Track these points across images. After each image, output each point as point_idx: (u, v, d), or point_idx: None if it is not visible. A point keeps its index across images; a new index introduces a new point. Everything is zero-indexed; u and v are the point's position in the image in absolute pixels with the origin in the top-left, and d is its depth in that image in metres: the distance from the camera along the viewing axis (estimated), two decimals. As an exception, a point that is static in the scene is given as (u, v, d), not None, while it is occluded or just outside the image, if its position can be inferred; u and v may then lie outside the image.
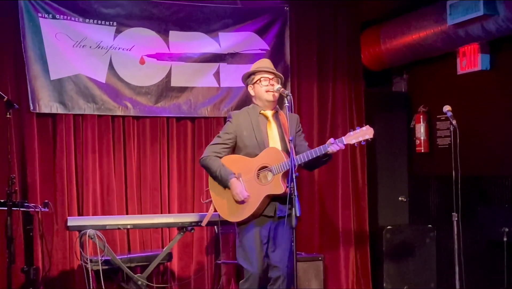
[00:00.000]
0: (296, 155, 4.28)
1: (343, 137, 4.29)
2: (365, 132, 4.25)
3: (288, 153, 4.30)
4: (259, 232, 4.39)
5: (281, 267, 4.39)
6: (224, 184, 4.42)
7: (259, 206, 4.33)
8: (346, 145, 4.29)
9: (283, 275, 4.39)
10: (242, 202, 4.37)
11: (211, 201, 4.57)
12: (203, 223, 4.79)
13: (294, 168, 4.12)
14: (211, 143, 4.60)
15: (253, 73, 4.54)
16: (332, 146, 4.26)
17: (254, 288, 4.37)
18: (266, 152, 4.38)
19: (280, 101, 4.55)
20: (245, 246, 4.41)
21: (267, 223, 4.40)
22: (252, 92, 4.58)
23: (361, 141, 4.26)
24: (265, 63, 4.62)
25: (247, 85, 4.62)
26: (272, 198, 4.37)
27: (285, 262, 4.40)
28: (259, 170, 4.36)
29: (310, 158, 4.30)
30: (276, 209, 4.38)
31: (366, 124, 4.33)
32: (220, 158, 4.48)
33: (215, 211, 4.58)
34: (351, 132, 4.28)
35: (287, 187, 4.17)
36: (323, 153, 4.29)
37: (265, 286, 4.46)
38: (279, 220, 4.38)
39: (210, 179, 4.55)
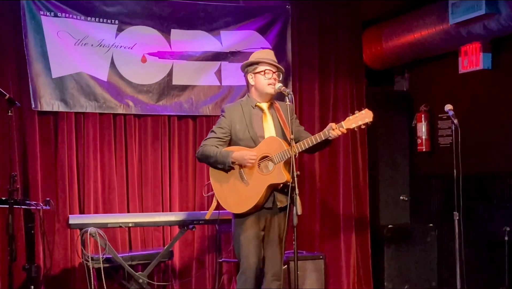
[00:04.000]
0: (295, 142, 4.25)
1: (342, 122, 4.27)
2: (364, 116, 4.24)
3: (287, 141, 4.29)
4: (257, 223, 4.37)
5: (272, 260, 4.39)
6: (226, 163, 4.33)
7: (262, 195, 4.30)
8: (347, 130, 4.27)
9: (274, 269, 4.39)
10: (245, 191, 4.31)
11: (213, 194, 4.54)
12: (207, 216, 4.75)
13: (295, 156, 4.12)
14: (205, 138, 4.55)
15: (257, 63, 4.50)
16: (333, 131, 4.24)
17: (250, 281, 4.35)
18: (265, 141, 4.36)
19: (279, 98, 4.54)
20: (242, 239, 4.38)
21: (264, 214, 4.38)
22: (252, 82, 4.51)
23: (360, 125, 4.25)
24: (269, 54, 4.57)
25: (246, 73, 4.54)
26: (273, 188, 4.35)
27: (277, 255, 4.39)
28: (260, 159, 4.34)
29: (311, 145, 4.28)
30: (276, 200, 4.37)
31: (364, 108, 4.31)
32: None
33: (218, 203, 4.53)
34: (350, 117, 4.27)
35: (290, 176, 4.15)
36: (323, 139, 4.27)
37: (261, 278, 4.47)
38: (279, 211, 4.37)
39: (210, 170, 4.50)
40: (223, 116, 4.53)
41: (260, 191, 4.31)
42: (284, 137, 4.38)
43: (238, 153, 4.34)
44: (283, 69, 4.58)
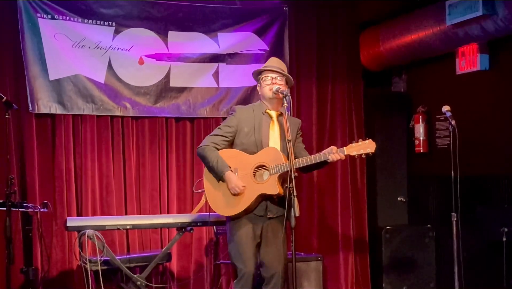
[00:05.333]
0: (293, 155, 4.28)
1: (344, 148, 4.32)
2: (367, 146, 4.29)
3: (287, 155, 4.31)
4: (252, 229, 4.38)
5: (274, 266, 4.40)
6: (219, 176, 4.39)
7: (251, 203, 4.33)
8: (347, 156, 4.32)
9: (277, 275, 4.40)
10: (236, 195, 4.35)
11: (203, 192, 4.55)
12: (194, 212, 4.80)
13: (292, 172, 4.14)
14: (210, 134, 4.58)
15: (260, 72, 4.55)
16: (333, 154, 4.29)
17: (248, 287, 4.36)
18: (265, 151, 4.38)
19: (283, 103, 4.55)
20: (238, 243, 4.40)
21: (259, 221, 4.40)
22: (259, 91, 4.58)
23: (362, 154, 4.29)
24: (273, 62, 4.60)
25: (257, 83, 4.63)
26: (264, 197, 4.37)
27: (278, 261, 4.40)
28: (256, 167, 4.35)
29: (309, 163, 4.33)
30: (267, 209, 4.39)
31: (368, 138, 4.35)
32: (218, 149, 4.45)
33: (207, 202, 4.55)
34: (353, 144, 4.31)
35: (285, 187, 4.18)
36: (323, 160, 4.31)
37: (258, 283, 4.47)
38: (269, 220, 4.39)
39: (205, 169, 4.51)
40: (233, 115, 4.54)
41: (251, 198, 4.33)
42: (285, 147, 4.38)
43: (233, 176, 4.34)
44: (289, 76, 4.56)
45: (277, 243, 4.40)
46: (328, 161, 4.32)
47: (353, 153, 4.30)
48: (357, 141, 4.32)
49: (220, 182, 4.42)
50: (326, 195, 6.57)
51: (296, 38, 6.51)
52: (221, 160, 4.39)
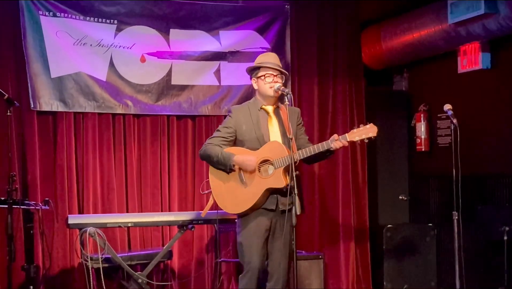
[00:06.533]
0: (297, 149, 4.28)
1: (346, 134, 4.30)
2: (368, 130, 4.25)
3: (289, 147, 4.30)
4: (261, 224, 4.37)
5: (278, 263, 4.39)
6: (227, 166, 4.36)
7: (259, 198, 4.32)
8: (349, 142, 4.29)
9: (280, 271, 4.40)
10: (243, 191, 4.34)
11: (210, 192, 4.55)
12: (203, 214, 4.79)
13: (295, 164, 4.14)
14: (210, 136, 4.58)
15: (258, 67, 4.50)
16: (336, 142, 4.27)
17: (252, 282, 4.36)
18: (268, 145, 4.37)
19: (280, 98, 4.54)
20: (246, 238, 4.39)
21: (268, 216, 4.38)
22: (255, 86, 4.54)
23: (364, 139, 4.26)
24: (271, 58, 4.55)
25: (251, 77, 4.58)
26: (272, 191, 4.36)
27: (283, 258, 4.40)
28: (261, 163, 4.35)
29: (312, 153, 4.30)
30: (278, 202, 4.37)
31: (369, 123, 4.31)
32: None
33: (215, 202, 4.55)
34: (355, 129, 4.29)
35: (289, 181, 4.17)
36: (326, 149, 4.30)
37: (264, 279, 4.47)
38: (282, 214, 4.37)
39: (210, 168, 4.51)
40: (229, 116, 4.55)
41: (258, 194, 4.32)
42: (286, 141, 4.37)
43: (240, 157, 4.35)
44: (286, 72, 4.56)
45: (283, 241, 4.39)
46: (331, 149, 4.29)
47: (356, 138, 4.26)
48: (358, 127, 4.29)
49: (226, 180, 4.41)
50: (327, 193, 6.57)
51: (297, 36, 6.50)
52: (225, 152, 4.39)
